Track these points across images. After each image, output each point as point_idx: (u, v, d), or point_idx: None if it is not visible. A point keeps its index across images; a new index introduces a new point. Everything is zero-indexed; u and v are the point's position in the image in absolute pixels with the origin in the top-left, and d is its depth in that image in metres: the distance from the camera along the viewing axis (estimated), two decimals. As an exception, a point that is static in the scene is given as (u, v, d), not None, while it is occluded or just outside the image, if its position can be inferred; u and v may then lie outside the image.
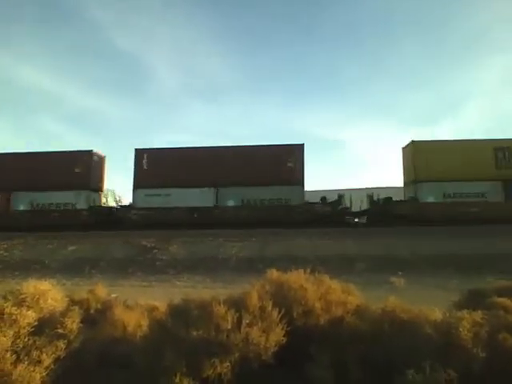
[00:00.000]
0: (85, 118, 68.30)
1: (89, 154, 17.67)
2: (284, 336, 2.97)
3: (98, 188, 18.37)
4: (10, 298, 3.46)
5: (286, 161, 16.50)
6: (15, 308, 3.15)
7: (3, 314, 3.08)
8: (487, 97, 67.91)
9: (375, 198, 17.12)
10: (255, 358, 2.81)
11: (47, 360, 2.80)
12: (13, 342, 2.88)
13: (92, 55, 63.84)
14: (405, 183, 17.70)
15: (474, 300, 3.88)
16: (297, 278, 3.64)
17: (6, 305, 3.18)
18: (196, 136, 73.89)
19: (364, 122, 70.10)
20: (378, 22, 61.70)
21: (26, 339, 2.94)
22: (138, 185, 16.94)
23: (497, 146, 15.99)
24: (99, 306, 4.46)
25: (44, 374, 2.73)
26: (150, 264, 11.85)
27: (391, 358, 2.72)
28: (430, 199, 15.98)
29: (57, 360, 2.88)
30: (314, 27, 63.86)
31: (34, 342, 2.93)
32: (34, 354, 2.81)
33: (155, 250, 12.98)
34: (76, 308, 3.58)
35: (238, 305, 3.13)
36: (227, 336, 2.81)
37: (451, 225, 14.49)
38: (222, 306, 3.02)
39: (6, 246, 14.07)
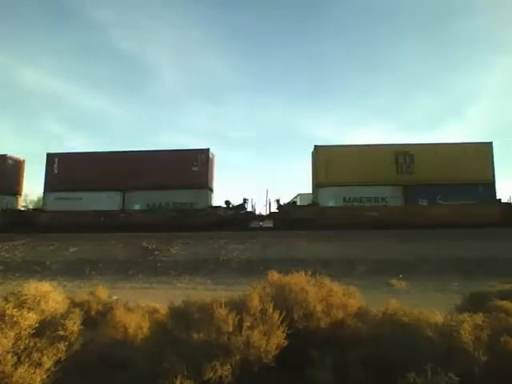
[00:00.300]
0: (86, 118, 68.60)
1: (3, 158, 17.96)
2: (285, 339, 2.96)
3: (13, 191, 18.69)
4: (11, 299, 3.46)
5: (191, 165, 16.87)
6: (16, 310, 3.15)
7: (4, 316, 3.07)
8: (492, 99, 67.86)
9: (281, 202, 17.29)
10: (256, 360, 2.80)
11: (48, 362, 2.80)
12: (14, 343, 2.87)
13: (93, 56, 64.30)
14: (312, 188, 17.76)
15: (475, 303, 3.87)
16: (298, 280, 3.63)
17: (7, 306, 3.17)
18: (199, 138, 74.06)
19: (368, 124, 70.12)
20: (381, 25, 61.87)
21: (27, 341, 2.93)
22: (48, 188, 17.50)
23: (398, 152, 16.04)
24: (100, 307, 4.47)
25: (44, 376, 2.72)
26: (151, 266, 11.86)
27: (392, 360, 2.71)
28: (331, 204, 16.05)
29: (57, 362, 2.87)
30: (318, 29, 64.07)
31: (35, 343, 2.93)
32: (35, 356, 2.81)
33: (156, 252, 12.99)
34: (77, 310, 3.58)
35: (239, 307, 3.13)
36: (228, 338, 2.81)
37: (351, 229, 14.62)
38: (223, 308, 3.01)
39: (7, 247, 14.11)
